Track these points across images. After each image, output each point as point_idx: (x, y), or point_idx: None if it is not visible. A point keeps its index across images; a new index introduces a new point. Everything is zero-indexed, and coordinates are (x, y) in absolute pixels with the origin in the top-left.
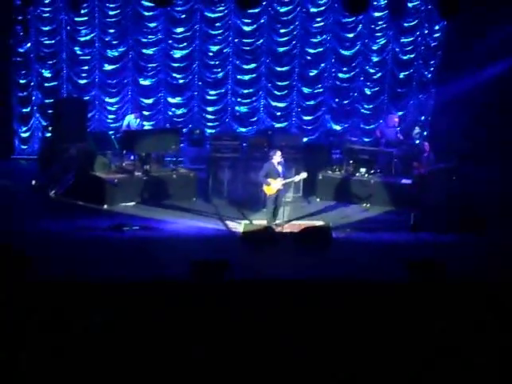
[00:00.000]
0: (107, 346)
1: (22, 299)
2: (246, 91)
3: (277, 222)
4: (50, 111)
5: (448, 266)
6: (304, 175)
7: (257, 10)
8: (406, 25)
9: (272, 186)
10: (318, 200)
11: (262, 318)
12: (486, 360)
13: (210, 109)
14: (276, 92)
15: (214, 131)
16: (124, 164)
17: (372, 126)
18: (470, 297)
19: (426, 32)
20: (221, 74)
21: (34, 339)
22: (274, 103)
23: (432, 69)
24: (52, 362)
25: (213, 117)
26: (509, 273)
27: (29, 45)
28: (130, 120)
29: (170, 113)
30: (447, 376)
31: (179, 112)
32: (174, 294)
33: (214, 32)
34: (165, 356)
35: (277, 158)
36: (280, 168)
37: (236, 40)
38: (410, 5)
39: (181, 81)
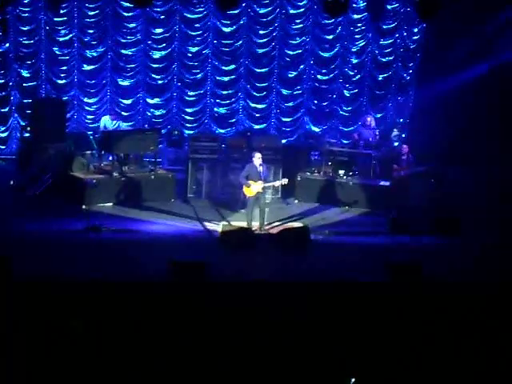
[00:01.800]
0: (86, 345)
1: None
2: (225, 92)
3: (254, 223)
4: (29, 111)
5: (425, 267)
6: (285, 181)
7: (236, 12)
8: (385, 27)
9: (252, 188)
10: (297, 202)
11: (239, 318)
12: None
13: (188, 110)
14: (255, 93)
15: (192, 132)
16: (102, 165)
17: (351, 128)
18: (447, 297)
19: (405, 34)
20: (200, 75)
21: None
22: (252, 105)
23: (411, 71)
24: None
25: (192, 118)
26: (485, 273)
27: (7, 45)
28: (106, 121)
29: (149, 113)
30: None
31: (158, 113)
32: (152, 294)
33: (193, 33)
34: (141, 355)
35: (257, 159)
36: (261, 170)
37: (215, 41)
38: (389, 7)
39: (160, 81)
